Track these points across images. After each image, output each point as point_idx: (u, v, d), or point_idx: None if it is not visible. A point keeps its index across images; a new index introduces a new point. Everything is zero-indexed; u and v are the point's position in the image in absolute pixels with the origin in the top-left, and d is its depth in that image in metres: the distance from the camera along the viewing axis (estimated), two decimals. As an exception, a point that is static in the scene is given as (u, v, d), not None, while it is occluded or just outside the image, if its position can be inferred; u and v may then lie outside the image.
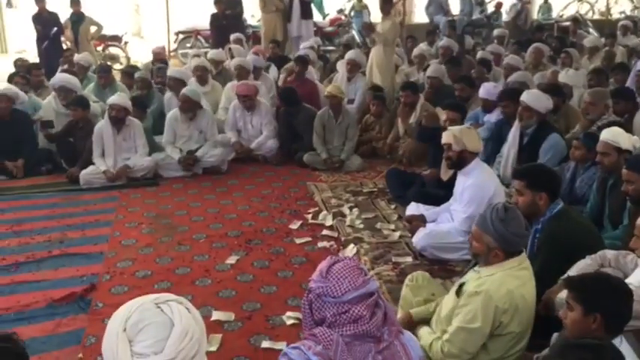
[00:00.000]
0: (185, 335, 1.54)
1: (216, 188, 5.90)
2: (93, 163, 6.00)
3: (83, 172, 5.93)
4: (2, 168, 6.12)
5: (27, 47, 13.80)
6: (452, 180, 4.47)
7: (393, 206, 5.25)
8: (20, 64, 8.34)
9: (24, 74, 7.32)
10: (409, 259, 4.21)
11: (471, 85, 6.40)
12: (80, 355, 3.18)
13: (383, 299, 2.49)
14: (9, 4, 13.18)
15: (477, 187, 4.01)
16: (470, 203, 4.02)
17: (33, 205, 5.47)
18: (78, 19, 10.50)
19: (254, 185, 5.98)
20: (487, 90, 5.88)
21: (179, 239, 4.68)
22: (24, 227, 4.93)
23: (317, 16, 13.03)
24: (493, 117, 5.74)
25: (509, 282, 2.63)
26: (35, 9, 10.37)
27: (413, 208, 4.64)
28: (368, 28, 7.43)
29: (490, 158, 5.22)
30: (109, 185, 5.89)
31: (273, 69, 8.83)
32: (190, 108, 6.20)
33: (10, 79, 7.14)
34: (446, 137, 4.12)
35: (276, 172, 6.38)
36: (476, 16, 13.67)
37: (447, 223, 4.28)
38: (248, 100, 6.55)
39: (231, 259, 4.30)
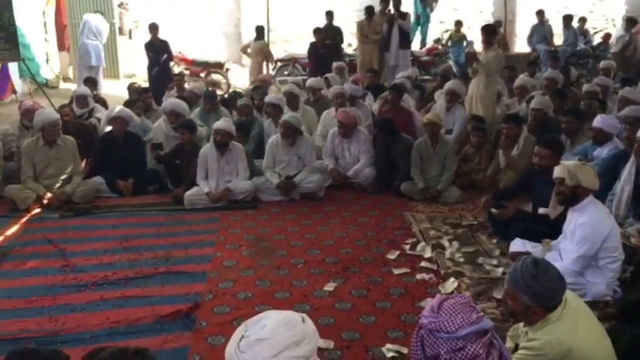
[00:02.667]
0: None
1: (313, 214, 5.96)
2: (197, 185, 6.24)
3: (187, 193, 6.17)
4: (114, 186, 6.48)
5: (136, 72, 14.69)
6: (560, 217, 4.28)
7: (494, 241, 5.09)
8: (134, 89, 8.85)
9: (142, 99, 7.78)
10: (514, 297, 4.03)
11: (580, 118, 6.14)
12: (185, 371, 3.27)
13: (498, 338, 2.40)
14: (130, 36, 14.10)
15: (591, 226, 3.81)
16: (583, 242, 3.82)
17: (141, 222, 5.74)
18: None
19: (350, 213, 5.99)
20: (604, 121, 5.61)
21: (278, 263, 4.75)
22: (132, 244, 5.18)
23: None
24: (604, 151, 5.48)
25: (558, 332, 2.56)
26: (148, 37, 11.04)
27: (518, 245, 4.46)
28: (471, 58, 7.31)
29: (601, 195, 4.95)
30: (211, 207, 6.09)
31: (370, 97, 8.89)
32: (291, 134, 6.33)
33: (127, 104, 7.58)
34: (559, 171, 3.96)
35: (373, 200, 6.36)
36: (580, 46, 13.20)
37: (555, 262, 4.08)
38: (347, 128, 6.61)
39: (329, 286, 4.31)
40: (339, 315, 3.90)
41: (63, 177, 6.26)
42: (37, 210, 5.97)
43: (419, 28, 14.91)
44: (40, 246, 5.11)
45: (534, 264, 2.59)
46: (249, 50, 13.01)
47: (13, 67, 11.94)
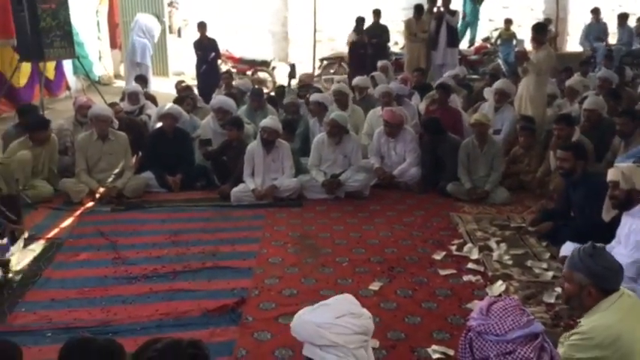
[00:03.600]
0: None
1: (358, 213, 5.95)
2: (243, 182, 6.31)
3: (234, 189, 6.25)
4: (163, 182, 6.61)
5: (185, 70, 14.95)
6: (613, 220, 4.16)
7: (544, 244, 4.98)
8: (181, 87, 9.02)
9: (191, 96, 7.93)
10: (564, 302, 3.94)
11: (635, 120, 5.94)
12: (232, 365, 3.32)
13: (549, 342, 2.36)
14: (179, 35, 14.37)
15: (646, 231, 3.69)
16: (637, 248, 3.71)
17: (189, 217, 5.84)
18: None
19: (395, 212, 5.96)
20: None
21: (323, 261, 4.77)
22: (181, 238, 5.27)
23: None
24: (661, 154, 5.28)
25: (608, 317, 2.52)
26: (197, 35, 11.22)
27: (569, 249, 4.35)
28: (522, 57, 7.15)
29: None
30: (256, 203, 6.15)
31: (416, 97, 8.82)
32: (337, 132, 6.34)
33: (176, 101, 7.72)
34: (612, 175, 3.85)
35: (418, 200, 6.31)
36: (635, 46, 12.79)
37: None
38: (393, 127, 6.57)
39: (375, 286, 4.30)
40: (384, 314, 3.88)
41: (115, 171, 6.43)
42: (90, 203, 6.14)
43: (467, 27, 14.69)
44: (93, 238, 5.26)
45: (592, 246, 2.61)
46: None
47: (67, 65, 12.32)
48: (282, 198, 6.26)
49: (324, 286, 4.32)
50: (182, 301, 4.10)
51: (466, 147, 6.36)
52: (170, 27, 16.07)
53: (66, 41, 9.17)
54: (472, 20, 14.90)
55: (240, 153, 6.43)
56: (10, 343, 2.21)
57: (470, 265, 4.62)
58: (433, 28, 10.84)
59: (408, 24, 11.30)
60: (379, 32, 11.49)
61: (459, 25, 12.17)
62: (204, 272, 4.57)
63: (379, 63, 10.12)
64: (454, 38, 11.04)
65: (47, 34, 8.70)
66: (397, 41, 14.50)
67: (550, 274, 4.37)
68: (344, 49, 14.02)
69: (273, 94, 10.21)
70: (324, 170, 6.45)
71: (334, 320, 1.97)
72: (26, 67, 10.08)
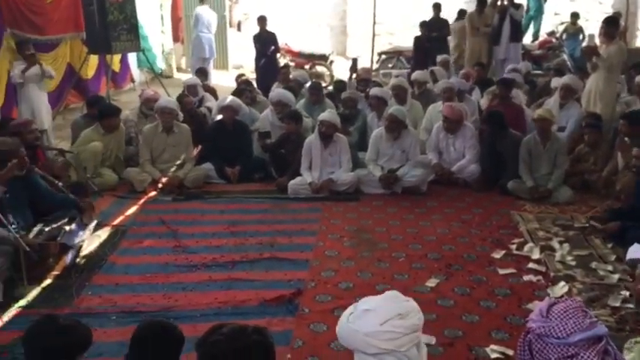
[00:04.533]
0: None
1: (415, 208, 5.90)
2: (300, 175, 6.36)
3: (291, 182, 6.31)
4: (222, 173, 6.74)
5: (244, 63, 15.16)
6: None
7: (609, 245, 4.81)
8: (241, 80, 9.14)
9: (250, 89, 8.04)
10: (630, 305, 3.80)
11: None
12: (289, 355, 3.35)
13: (613, 346, 2.28)
14: (238, 28, 14.61)
15: None
16: None
17: (247, 209, 5.94)
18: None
19: (453, 209, 5.88)
20: None
21: (379, 256, 4.76)
22: (239, 229, 5.36)
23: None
24: None
25: None
26: (257, 29, 11.35)
27: (637, 251, 4.19)
28: (591, 53, 6.89)
29: None
30: (313, 196, 6.18)
31: (477, 92, 8.66)
32: (396, 127, 6.29)
33: (235, 94, 7.84)
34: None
35: (477, 197, 6.20)
36: None
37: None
38: (452, 123, 6.48)
39: (431, 282, 4.26)
40: (441, 311, 3.85)
41: (177, 162, 6.60)
42: (153, 193, 6.33)
43: (531, 20, 14.29)
44: (155, 226, 5.42)
45: None
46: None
47: (131, 58, 12.71)
48: (338, 192, 6.28)
49: (379, 280, 4.31)
50: (240, 290, 4.17)
51: (528, 143, 6.20)
52: (230, 21, 16.34)
53: (132, 34, 9.46)
54: (536, 14, 14.49)
55: (298, 146, 6.48)
56: (82, 324, 2.31)
57: (530, 265, 4.51)
58: (496, 22, 10.59)
59: (470, 17, 11.07)
60: (439, 26, 11.32)
61: (523, 18, 11.84)
62: (262, 263, 4.64)
63: (438, 58, 9.97)
64: (518, 32, 10.75)
65: (114, 27, 8.99)
66: (457, 35, 14.26)
67: (616, 276, 4.22)
68: (403, 43, 13.93)
69: (331, 88, 10.25)
70: (382, 165, 6.42)
71: (380, 327, 1.88)
72: (94, 60, 10.46)
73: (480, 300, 4.01)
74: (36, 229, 4.57)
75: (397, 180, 6.28)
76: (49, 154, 6.18)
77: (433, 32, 11.04)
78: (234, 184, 6.67)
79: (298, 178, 6.34)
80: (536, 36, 14.43)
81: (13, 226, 4.26)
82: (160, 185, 6.39)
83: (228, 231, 5.31)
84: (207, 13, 12.58)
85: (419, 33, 11.79)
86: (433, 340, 3.47)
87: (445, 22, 11.63)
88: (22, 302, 3.99)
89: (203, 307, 3.93)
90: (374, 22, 13.09)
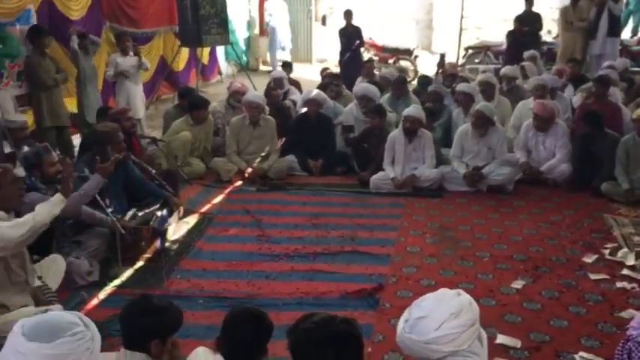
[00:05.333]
0: None
1: (500, 208, 5.74)
2: (383, 170, 6.33)
3: (373, 177, 6.29)
4: (305, 165, 6.82)
5: (328, 57, 15.25)
6: None
7: None
8: (326, 74, 9.20)
9: (335, 83, 8.08)
10: None
11: None
12: (369, 349, 3.36)
13: None
14: (323, 22, 14.73)
15: None
16: None
17: (328, 202, 5.98)
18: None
19: (541, 210, 5.67)
20: None
21: (462, 254, 4.67)
22: (321, 221, 5.42)
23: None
24: None
25: None
26: (342, 23, 11.38)
27: None
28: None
29: None
30: (395, 192, 6.14)
31: (570, 89, 8.30)
32: (483, 124, 6.14)
33: (320, 87, 7.90)
34: None
35: (568, 198, 5.95)
36: None
37: None
38: (543, 121, 6.24)
39: (517, 284, 4.14)
40: (527, 314, 3.73)
41: (262, 154, 6.74)
42: (238, 182, 6.50)
43: (630, 15, 13.51)
44: (240, 216, 5.57)
45: None
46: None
47: (219, 51, 13.08)
48: (421, 188, 6.20)
49: (463, 279, 4.23)
50: (322, 282, 4.22)
51: (625, 144, 5.88)
52: (315, 14, 16.47)
53: (222, 28, 9.73)
54: (636, 8, 13.67)
55: (381, 141, 6.45)
56: (174, 306, 2.41)
57: (625, 272, 4.29)
58: (593, 16, 10.09)
59: (564, 11, 10.63)
60: (531, 20, 10.91)
61: (622, 12, 11.22)
62: (343, 256, 4.66)
63: (526, 53, 9.61)
64: (616, 27, 10.20)
65: (205, 21, 9.27)
66: (550, 30, 13.72)
67: None
68: (490, 38, 13.55)
69: (415, 83, 10.13)
70: (467, 162, 6.29)
71: (437, 332, 1.89)
72: (184, 53, 10.86)
73: (569, 305, 3.85)
74: (130, 213, 4.81)
75: (482, 178, 6.13)
76: (142, 143, 6.46)
77: (525, 26, 10.65)
78: (316, 176, 6.74)
79: (381, 173, 6.31)
80: (635, 31, 13.62)
81: (110, 209, 4.49)
82: (245, 175, 6.56)
83: (310, 223, 5.38)
84: (282, 6, 12.74)
85: (508, 27, 11.41)
86: (518, 344, 3.38)
87: (538, 15, 11.19)
88: (117, 282, 4.22)
89: (285, 296, 4.00)
90: (461, 16, 12.81)
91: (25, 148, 5.15)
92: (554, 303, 3.89)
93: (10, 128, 5.60)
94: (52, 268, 3.88)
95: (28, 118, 6.41)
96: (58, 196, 3.44)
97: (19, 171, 4.31)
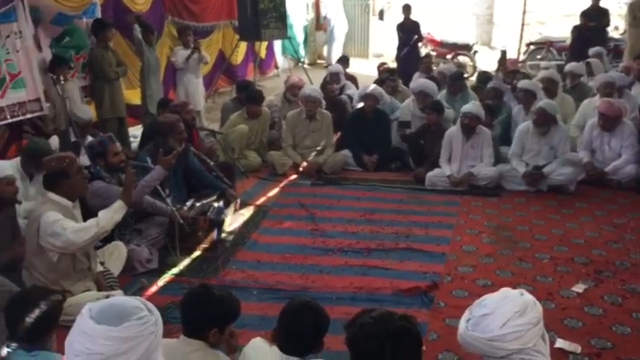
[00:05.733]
0: None
1: (561, 209, 5.57)
2: (439, 167, 6.25)
3: (429, 173, 6.22)
4: (360, 160, 6.80)
5: (384, 52, 15.13)
6: None
7: None
8: (383, 69, 9.14)
9: (392, 78, 8.02)
10: None
11: None
12: (424, 347, 3.31)
13: None
14: (380, 17, 14.63)
15: None
16: None
17: (383, 197, 5.95)
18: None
19: (605, 212, 5.48)
20: None
21: (520, 255, 4.56)
22: (375, 217, 5.39)
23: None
24: None
25: None
26: (400, 18, 11.27)
27: None
28: None
29: None
30: (451, 189, 6.06)
31: (637, 87, 7.95)
32: (545, 122, 5.97)
33: (377, 82, 7.85)
34: None
35: (634, 201, 5.72)
36: None
37: None
38: (609, 120, 6.02)
39: (578, 287, 4.01)
40: (588, 319, 3.61)
41: (317, 148, 6.76)
42: (293, 176, 6.55)
43: None
44: (294, 209, 5.60)
45: None
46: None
47: (276, 45, 13.17)
48: (478, 186, 6.09)
49: (521, 280, 4.13)
50: (375, 277, 4.20)
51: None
52: (373, 9, 16.37)
53: (280, 22, 9.78)
54: None
55: (438, 137, 6.37)
56: (234, 296, 2.44)
57: (695, 280, 4.10)
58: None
59: (632, 7, 10.19)
60: (598, 15, 10.52)
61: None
62: (397, 252, 4.63)
63: (592, 50, 9.26)
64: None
65: (264, 15, 9.34)
66: (617, 26, 13.21)
67: None
68: (553, 33, 13.15)
69: (473, 79, 9.94)
70: (526, 161, 6.12)
71: (502, 330, 1.87)
72: (242, 47, 10.97)
73: (632, 311, 3.71)
74: (188, 204, 4.92)
75: (543, 177, 5.96)
76: (201, 135, 6.59)
77: (592, 22, 10.27)
78: (371, 172, 6.72)
79: (437, 170, 6.23)
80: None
81: (169, 198, 4.59)
82: (300, 169, 6.59)
83: (364, 218, 5.36)
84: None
85: (571, 23, 11.06)
86: (578, 349, 3.28)
87: (605, 10, 10.79)
88: (175, 270, 4.32)
89: (339, 290, 4.01)
90: (524, 11, 12.50)
91: (89, 138, 5.34)
92: (617, 309, 3.75)
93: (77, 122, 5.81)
94: (114, 255, 4.02)
95: (91, 108, 6.64)
96: (120, 203, 3.56)
97: (84, 160, 4.48)
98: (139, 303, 1.76)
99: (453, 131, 6.23)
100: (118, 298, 1.84)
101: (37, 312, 2.25)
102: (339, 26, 15.23)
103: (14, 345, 2.23)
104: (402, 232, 5.02)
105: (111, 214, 3.48)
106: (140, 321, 1.67)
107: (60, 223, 3.31)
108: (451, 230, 5.08)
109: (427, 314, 3.69)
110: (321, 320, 2.25)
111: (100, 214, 3.47)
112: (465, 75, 11.49)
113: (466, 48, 13.45)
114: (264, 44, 11.49)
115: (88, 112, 5.98)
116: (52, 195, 3.44)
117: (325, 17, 15.19)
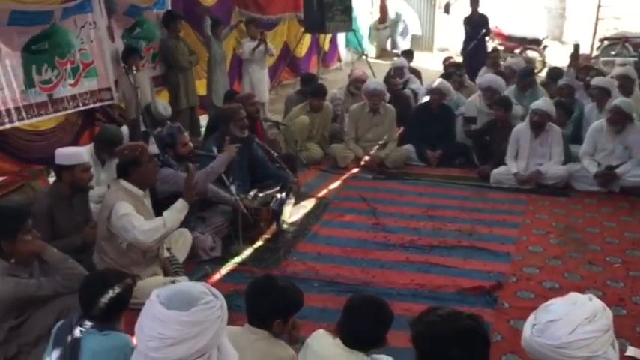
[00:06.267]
0: None
1: (635, 211, 5.34)
2: (505, 164, 6.09)
3: (494, 171, 6.08)
4: (423, 156, 6.71)
5: (449, 46, 14.87)
6: None
7: None
8: (449, 63, 8.97)
9: (459, 73, 7.87)
10: None
11: None
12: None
13: None
14: (446, 10, 14.37)
15: None
16: None
17: (446, 194, 5.85)
18: None
19: (682, 216, 5.21)
20: None
21: (590, 258, 4.40)
22: (437, 213, 5.31)
23: None
24: None
25: None
26: (466, 11, 11.01)
27: None
28: None
29: None
30: (517, 188, 5.90)
31: None
32: (620, 121, 5.71)
33: (443, 77, 7.71)
34: None
35: None
36: None
37: None
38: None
39: (651, 294, 3.83)
40: (663, 329, 3.45)
41: (380, 142, 6.71)
42: (355, 170, 6.53)
43: None
44: (355, 203, 5.59)
45: None
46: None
47: (340, 38, 13.15)
48: (546, 185, 5.90)
49: (590, 284, 3.98)
50: (437, 275, 4.14)
51: None
52: (438, 2, 16.10)
53: (346, 15, 9.72)
54: None
55: (504, 134, 6.20)
56: (297, 287, 2.46)
57: None
58: None
59: None
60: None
61: None
62: (460, 250, 4.55)
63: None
64: None
65: (329, 8, 9.30)
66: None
67: None
68: (630, 29, 12.58)
69: (542, 74, 9.63)
70: (598, 161, 5.88)
71: (571, 336, 1.80)
72: (306, 39, 11.00)
73: None
74: (251, 194, 4.98)
75: (615, 178, 5.72)
76: (264, 126, 6.66)
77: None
78: (434, 167, 6.62)
79: (502, 168, 6.08)
80: None
81: (233, 187, 4.66)
82: (362, 163, 6.57)
83: (426, 214, 5.29)
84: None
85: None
86: (650, 358, 3.14)
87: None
88: (237, 259, 4.38)
89: (400, 286, 3.97)
90: (599, 5, 11.99)
91: (158, 128, 5.48)
92: (695, 319, 3.56)
93: (152, 113, 5.96)
94: (180, 241, 4.12)
95: (163, 98, 6.82)
96: (183, 203, 3.62)
97: (153, 149, 4.60)
98: (205, 288, 1.80)
99: (521, 128, 6.05)
100: (184, 283, 1.88)
101: (110, 293, 2.33)
102: (407, 20, 15.08)
103: (88, 324, 2.32)
104: (466, 230, 4.93)
105: (175, 214, 3.56)
106: (207, 305, 1.71)
107: (129, 219, 3.40)
108: (517, 230, 4.95)
109: (491, 314, 3.61)
110: (385, 315, 2.23)
111: (165, 214, 3.55)
112: (534, 70, 11.19)
113: (535, 43, 13.05)
114: (328, 37, 11.48)
115: (168, 109, 6.10)
116: (124, 183, 3.56)
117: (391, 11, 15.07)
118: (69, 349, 2.25)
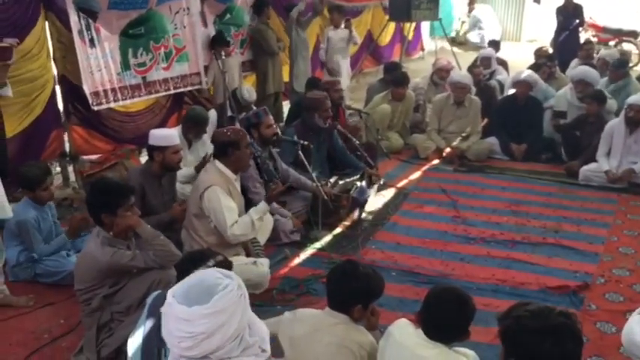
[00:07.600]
0: None
1: None
2: (595, 161, 5.83)
3: (584, 167, 5.83)
4: (507, 149, 6.52)
5: (538, 37, 14.31)
6: None
7: None
8: (541, 53, 8.64)
9: (549, 64, 7.58)
10: None
11: None
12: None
13: None
14: (537, 0, 13.78)
15: None
16: None
17: (530, 189, 5.67)
18: None
19: None
20: None
21: (685, 262, 4.15)
22: (521, 208, 5.16)
23: None
24: None
25: None
26: (560, 1, 10.55)
27: None
28: None
29: None
30: (608, 186, 5.63)
31: None
32: None
33: (532, 68, 7.44)
34: None
35: None
36: None
37: None
38: None
39: None
40: None
41: (463, 134, 6.58)
42: (436, 161, 6.44)
43: None
44: (435, 194, 5.52)
45: None
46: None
47: (424, 27, 12.92)
48: (639, 184, 5.60)
49: (685, 290, 3.77)
50: (519, 271, 4.03)
51: None
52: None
53: (432, 3, 9.54)
54: None
55: (596, 129, 5.93)
56: (378, 274, 2.45)
57: None
58: None
59: None
60: None
61: None
62: (545, 248, 4.40)
63: None
64: None
65: (416, -5, 9.16)
66: None
67: None
68: None
69: (638, 68, 9.10)
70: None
71: None
72: (390, 27, 10.89)
73: None
74: (331, 181, 5.01)
75: None
76: (346, 114, 6.67)
77: None
78: (518, 161, 6.43)
79: (593, 164, 5.81)
80: None
81: (315, 173, 4.71)
82: (443, 154, 6.46)
83: (509, 209, 5.15)
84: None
85: None
86: None
87: None
88: (317, 245, 4.44)
89: (480, 280, 3.90)
90: None
91: (243, 113, 5.60)
92: None
93: (238, 100, 6.11)
94: (261, 224, 4.20)
95: (249, 83, 6.96)
96: (264, 204, 3.76)
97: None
98: (215, 272, 1.76)
99: (616, 124, 5.76)
100: (193, 277, 1.78)
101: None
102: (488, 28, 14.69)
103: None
104: (551, 227, 4.76)
105: (259, 215, 3.70)
106: (226, 290, 1.66)
107: (221, 207, 3.50)
108: (606, 229, 4.74)
109: (579, 316, 3.45)
110: (468, 307, 2.19)
111: (252, 212, 3.68)
112: (630, 64, 10.60)
113: (632, 35, 12.36)
114: (412, 25, 11.32)
115: (253, 94, 6.23)
116: (219, 164, 3.67)
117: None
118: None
